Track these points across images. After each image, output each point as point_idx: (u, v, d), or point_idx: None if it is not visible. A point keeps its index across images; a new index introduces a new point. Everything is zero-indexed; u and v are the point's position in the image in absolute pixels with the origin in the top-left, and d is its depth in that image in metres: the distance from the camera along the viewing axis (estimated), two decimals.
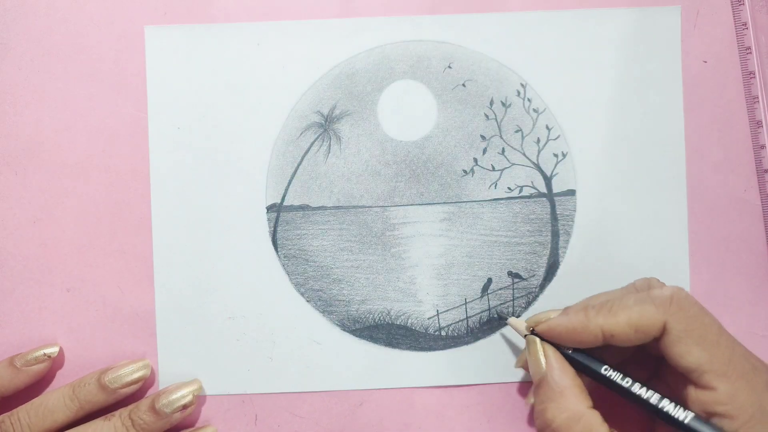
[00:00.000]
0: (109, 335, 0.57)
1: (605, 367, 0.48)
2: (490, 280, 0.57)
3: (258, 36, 0.57)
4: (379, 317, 0.57)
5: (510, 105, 0.57)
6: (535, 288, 0.57)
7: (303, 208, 0.57)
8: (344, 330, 0.57)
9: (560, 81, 0.57)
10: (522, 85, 0.57)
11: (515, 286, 0.57)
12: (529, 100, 0.57)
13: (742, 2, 0.58)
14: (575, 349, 0.48)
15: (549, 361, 0.48)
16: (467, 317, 0.57)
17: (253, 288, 0.57)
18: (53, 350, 0.55)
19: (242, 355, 0.57)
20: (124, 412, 0.53)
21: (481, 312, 0.57)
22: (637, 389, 0.46)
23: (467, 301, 0.57)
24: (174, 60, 0.57)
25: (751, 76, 0.58)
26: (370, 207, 0.57)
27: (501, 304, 0.57)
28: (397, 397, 0.57)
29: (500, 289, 0.57)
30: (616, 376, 0.47)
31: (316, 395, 0.57)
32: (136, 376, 0.54)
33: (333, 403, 0.57)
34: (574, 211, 0.57)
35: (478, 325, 0.57)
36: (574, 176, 0.57)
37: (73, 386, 0.53)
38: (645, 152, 0.57)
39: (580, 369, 0.48)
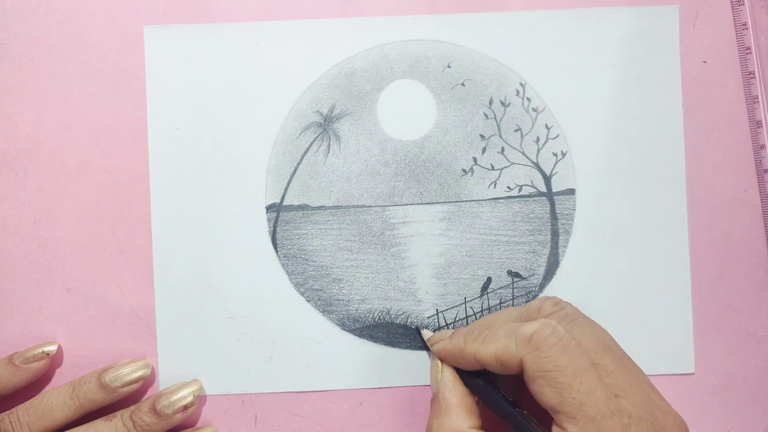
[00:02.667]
0: (109, 335, 0.57)
1: (483, 398, 0.48)
2: (489, 280, 0.57)
3: (257, 36, 0.57)
4: (379, 316, 0.57)
5: (509, 104, 0.57)
6: (535, 287, 0.57)
7: (302, 207, 0.57)
8: (344, 329, 0.57)
9: (559, 80, 0.57)
10: (521, 84, 0.57)
11: (515, 285, 0.57)
12: (528, 99, 0.57)
13: (742, 2, 0.58)
14: (473, 372, 0.49)
15: (443, 378, 0.49)
16: (467, 316, 0.57)
17: (253, 288, 0.57)
18: (52, 348, 0.55)
19: (242, 355, 0.57)
20: (125, 413, 0.53)
21: (481, 311, 0.57)
22: (510, 415, 0.47)
23: (467, 300, 0.57)
24: (173, 60, 0.57)
25: (751, 76, 0.58)
26: (370, 206, 0.57)
27: (501, 303, 0.57)
28: (397, 396, 0.57)
29: (500, 288, 0.57)
30: (497, 404, 0.47)
31: (316, 395, 0.57)
32: (136, 375, 0.54)
33: (333, 402, 0.57)
34: (574, 210, 0.57)
35: None
36: (573, 175, 0.57)
37: (73, 385, 0.53)
38: (644, 151, 0.57)
39: (474, 390, 0.49)
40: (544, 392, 0.43)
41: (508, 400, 0.47)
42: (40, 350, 0.54)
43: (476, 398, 0.49)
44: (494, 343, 0.46)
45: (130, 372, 0.54)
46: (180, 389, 0.54)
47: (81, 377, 0.54)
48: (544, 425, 0.45)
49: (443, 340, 0.50)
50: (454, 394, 0.48)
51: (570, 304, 0.49)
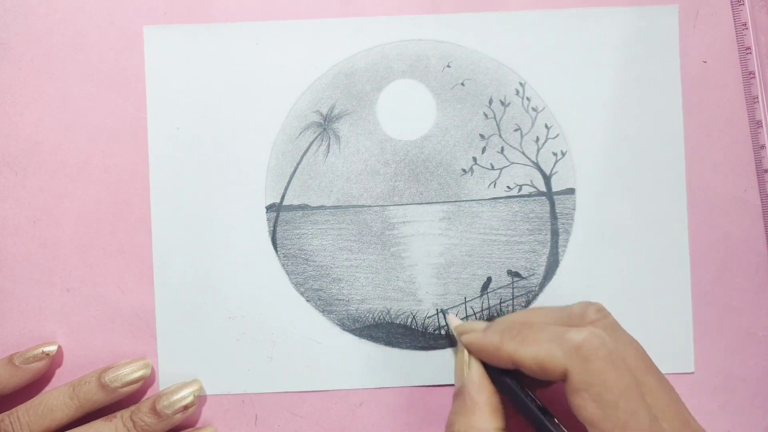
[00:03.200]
0: (109, 335, 0.57)
1: (512, 399, 0.47)
2: (489, 279, 0.57)
3: (257, 36, 0.57)
4: (379, 316, 0.57)
5: (509, 104, 0.57)
6: (535, 287, 0.57)
7: (302, 207, 0.57)
8: (344, 329, 0.57)
9: (559, 80, 0.57)
10: (521, 84, 0.57)
11: (515, 284, 0.57)
12: (528, 98, 0.57)
13: (742, 2, 0.58)
14: (501, 369, 0.47)
15: (470, 373, 0.47)
16: (467, 316, 0.57)
17: (253, 288, 0.57)
18: (52, 348, 0.55)
19: (242, 355, 0.57)
20: (125, 413, 0.53)
21: (481, 311, 0.57)
22: (539, 421, 0.45)
23: (467, 300, 0.57)
24: (173, 60, 0.57)
25: (751, 76, 0.58)
26: (370, 206, 0.57)
27: (501, 302, 0.57)
28: (397, 396, 0.57)
29: (500, 287, 0.57)
30: (526, 408, 0.46)
31: (316, 395, 0.57)
32: (136, 375, 0.54)
33: (333, 402, 0.57)
34: (574, 209, 0.57)
35: None
36: (573, 175, 0.57)
37: (73, 385, 0.53)
38: (644, 151, 0.58)
39: (502, 389, 0.47)
40: (587, 406, 0.42)
41: (539, 404, 0.46)
42: (40, 350, 0.54)
43: (502, 398, 0.47)
44: (536, 346, 0.44)
45: (130, 372, 0.54)
46: (180, 389, 0.54)
47: (81, 377, 0.54)
48: None
49: (475, 332, 0.48)
50: (481, 391, 0.46)
51: (611, 314, 0.47)
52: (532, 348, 0.44)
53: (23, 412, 0.52)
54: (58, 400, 0.52)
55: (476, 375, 0.47)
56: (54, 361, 0.56)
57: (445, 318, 0.57)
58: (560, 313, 0.47)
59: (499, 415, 0.46)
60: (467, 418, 0.45)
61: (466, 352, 0.48)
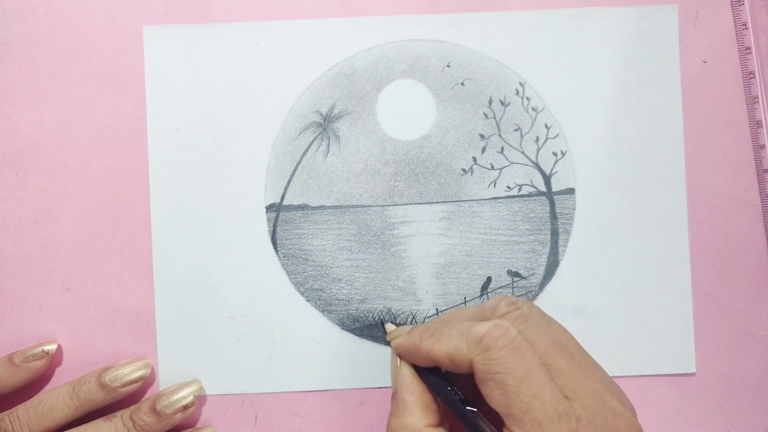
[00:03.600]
0: (109, 335, 0.57)
1: (442, 389, 0.47)
2: (489, 279, 0.57)
3: (257, 36, 0.57)
4: (379, 316, 0.57)
5: (509, 104, 0.57)
6: (535, 287, 0.57)
7: (302, 207, 0.57)
8: (344, 329, 0.57)
9: (559, 80, 0.58)
10: (521, 83, 0.57)
11: (515, 284, 0.57)
12: (527, 98, 0.57)
13: (742, 2, 0.58)
14: (431, 369, 0.48)
15: (401, 375, 0.49)
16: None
17: (253, 288, 0.57)
18: (51, 347, 0.55)
19: (242, 354, 0.57)
20: (125, 413, 0.53)
21: None
22: (461, 413, 0.46)
23: (467, 300, 0.57)
24: (173, 60, 0.57)
25: (751, 76, 0.58)
26: (370, 206, 0.57)
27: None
28: None
29: (500, 287, 0.57)
30: (450, 402, 0.47)
31: (316, 395, 0.57)
32: (136, 375, 0.54)
33: (333, 402, 0.57)
34: (574, 209, 0.57)
35: None
36: (573, 175, 0.57)
37: (72, 385, 0.53)
38: (644, 151, 0.58)
39: (431, 388, 0.48)
40: (494, 395, 0.43)
41: (462, 398, 0.46)
42: (40, 349, 0.54)
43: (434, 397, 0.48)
44: (447, 342, 0.45)
45: (129, 372, 0.54)
46: (180, 389, 0.54)
47: (81, 377, 0.54)
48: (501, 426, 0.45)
49: (400, 337, 0.49)
50: (411, 391, 0.47)
51: (528, 304, 0.48)
52: (444, 344, 0.45)
53: (23, 411, 0.52)
54: (58, 400, 0.52)
55: (406, 376, 0.48)
56: (54, 361, 0.56)
57: (383, 327, 0.57)
58: (476, 310, 0.49)
59: (430, 413, 0.47)
60: (399, 418, 0.47)
61: (396, 356, 0.49)
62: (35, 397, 0.53)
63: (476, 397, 0.46)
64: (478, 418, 0.45)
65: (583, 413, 0.42)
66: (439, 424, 0.47)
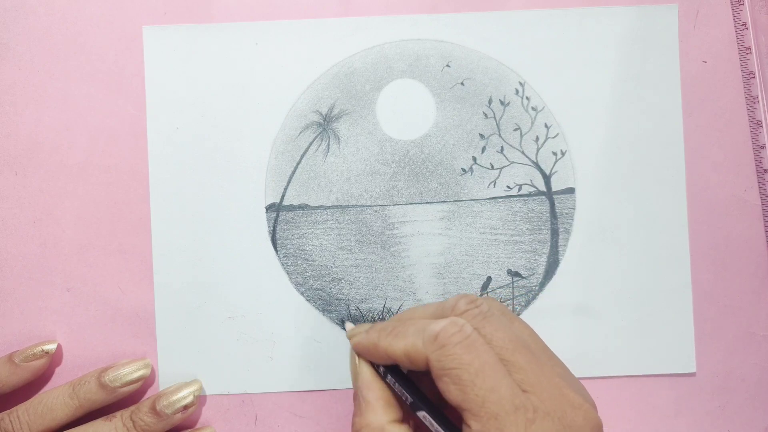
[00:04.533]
0: (109, 335, 0.57)
1: (398, 387, 0.48)
2: (489, 279, 0.57)
3: (256, 35, 0.57)
4: (379, 316, 0.57)
5: (509, 103, 0.58)
6: (535, 286, 0.57)
7: (302, 207, 0.57)
8: (344, 329, 0.57)
9: (559, 79, 0.58)
10: (520, 83, 0.57)
11: (515, 284, 0.57)
12: (527, 98, 0.57)
13: (742, 2, 0.58)
14: (389, 366, 0.48)
15: (360, 374, 0.49)
16: None
17: (253, 287, 0.57)
18: (51, 347, 0.55)
19: (242, 354, 0.57)
20: (125, 413, 0.53)
21: None
22: (419, 412, 0.46)
23: None
24: (173, 60, 0.57)
25: (751, 76, 0.58)
26: (369, 206, 0.57)
27: (501, 302, 0.57)
28: None
29: (500, 287, 0.57)
30: (405, 395, 0.47)
31: (316, 395, 0.57)
32: (136, 375, 0.54)
33: (333, 402, 0.57)
34: (574, 209, 0.57)
35: None
36: (573, 174, 0.57)
37: (73, 384, 0.53)
38: (644, 151, 0.58)
39: (390, 385, 0.48)
40: (450, 390, 0.43)
41: (418, 394, 0.47)
42: (40, 349, 0.54)
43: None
44: (403, 340, 0.45)
45: (130, 372, 0.54)
46: (180, 389, 0.54)
47: (81, 377, 0.54)
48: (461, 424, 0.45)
49: (360, 334, 0.49)
50: (372, 389, 0.48)
51: (489, 301, 0.48)
52: (400, 342, 0.46)
53: (23, 411, 0.52)
54: (58, 400, 0.52)
55: (365, 375, 0.49)
56: (53, 361, 0.56)
57: (343, 326, 0.57)
58: (435, 308, 0.49)
59: (391, 409, 0.47)
60: (362, 417, 0.47)
61: (355, 355, 0.50)
62: (35, 397, 0.53)
63: (437, 394, 0.46)
64: (433, 413, 0.46)
65: (540, 405, 0.42)
66: (403, 420, 0.47)
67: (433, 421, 0.45)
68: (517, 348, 0.45)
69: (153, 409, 0.52)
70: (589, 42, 0.58)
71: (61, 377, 0.56)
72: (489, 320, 0.46)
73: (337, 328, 0.57)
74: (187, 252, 0.57)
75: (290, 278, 0.57)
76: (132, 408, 0.53)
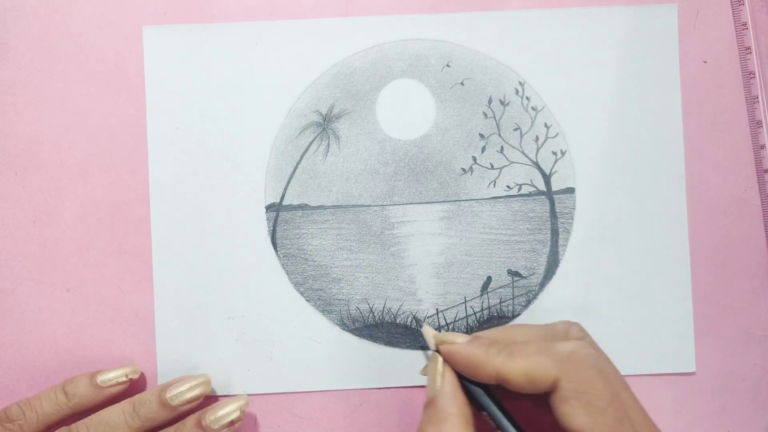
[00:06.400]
0: (109, 335, 0.57)
1: (485, 411, 0.46)
2: (489, 279, 0.57)
3: (256, 35, 0.57)
4: (379, 316, 0.57)
5: (508, 103, 0.58)
6: (535, 286, 0.57)
7: (302, 207, 0.57)
8: (344, 329, 0.57)
9: (558, 79, 0.58)
10: (520, 83, 0.58)
11: (515, 284, 0.57)
12: (527, 98, 0.57)
13: (742, 2, 0.58)
14: (475, 382, 0.47)
15: (443, 384, 0.47)
16: (467, 316, 0.57)
17: (253, 287, 0.57)
18: (135, 375, 0.55)
19: (242, 355, 0.57)
20: (169, 430, 0.52)
21: (481, 310, 0.57)
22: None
23: (467, 299, 0.57)
24: (172, 60, 0.57)
25: (751, 76, 0.58)
26: (369, 206, 0.57)
27: (501, 302, 0.57)
28: (397, 396, 0.57)
29: (500, 287, 0.57)
30: (494, 423, 0.46)
31: (316, 395, 0.57)
32: (195, 393, 0.53)
33: (333, 402, 0.57)
34: (574, 209, 0.57)
35: (477, 324, 0.57)
36: (573, 174, 0.57)
37: (133, 403, 0.52)
38: (644, 151, 0.58)
39: (474, 402, 0.47)
40: (576, 414, 0.42)
41: (512, 417, 0.46)
42: (124, 375, 0.54)
43: (473, 411, 0.47)
44: (525, 359, 0.44)
45: (188, 389, 0.53)
46: (226, 404, 0.53)
47: (141, 395, 0.53)
48: None
49: (456, 344, 0.47)
50: (454, 403, 0.46)
51: (589, 335, 0.48)
52: (520, 361, 0.44)
53: (83, 427, 0.51)
54: (120, 419, 0.52)
55: (449, 386, 0.47)
56: (53, 360, 0.56)
57: (419, 328, 0.57)
58: (543, 330, 0.48)
59: (470, 427, 0.45)
60: (438, 428, 0.45)
61: (440, 363, 0.48)
62: (95, 414, 0.52)
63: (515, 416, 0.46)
64: None
65: None
66: None
67: None
68: (623, 385, 0.44)
69: (199, 425, 0.52)
70: (589, 42, 0.58)
71: (61, 376, 0.56)
72: (600, 352, 0.46)
73: (337, 328, 0.57)
74: (187, 252, 0.57)
75: (290, 278, 0.57)
76: (177, 426, 0.52)
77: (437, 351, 0.48)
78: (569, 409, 0.42)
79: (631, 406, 0.43)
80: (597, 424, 0.41)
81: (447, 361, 0.47)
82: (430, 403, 0.47)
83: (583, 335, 0.47)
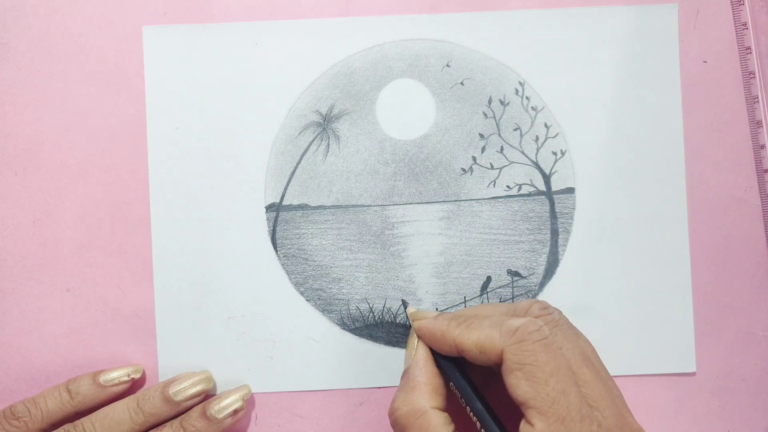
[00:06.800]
0: (109, 335, 0.57)
1: (452, 382, 0.49)
2: (489, 279, 0.57)
3: (256, 35, 0.57)
4: (379, 316, 0.57)
5: (508, 103, 0.58)
6: (535, 286, 0.57)
7: (302, 207, 0.57)
8: (344, 329, 0.57)
9: (558, 79, 0.58)
10: (520, 83, 0.57)
11: (515, 284, 0.57)
12: (527, 98, 0.57)
13: (742, 2, 0.58)
14: (447, 357, 0.50)
15: (416, 355, 0.50)
16: None
17: (253, 287, 0.57)
18: (137, 374, 0.55)
19: (242, 354, 0.57)
20: (175, 422, 0.53)
21: None
22: (473, 403, 0.48)
23: (466, 299, 0.57)
24: (172, 60, 0.57)
25: (751, 76, 0.58)
26: (369, 206, 0.57)
27: (501, 302, 0.57)
28: None
29: (500, 287, 0.57)
30: (458, 392, 0.49)
31: (316, 394, 0.57)
32: (197, 389, 0.54)
33: (333, 402, 0.57)
34: (574, 209, 0.57)
35: None
36: (572, 174, 0.57)
37: (137, 399, 0.53)
38: (644, 151, 0.58)
39: (445, 374, 0.50)
40: (519, 385, 0.44)
41: (476, 388, 0.48)
42: (126, 375, 0.55)
43: (444, 382, 0.50)
44: (478, 332, 0.46)
45: (191, 385, 0.54)
46: (230, 395, 0.54)
47: (144, 391, 0.54)
48: (510, 424, 0.46)
49: (426, 319, 0.50)
50: (423, 372, 0.49)
51: (558, 311, 0.49)
52: (474, 333, 0.47)
53: (89, 424, 0.52)
54: (124, 415, 0.53)
55: (421, 357, 0.50)
56: (53, 360, 0.56)
57: (404, 308, 0.57)
58: (508, 308, 0.50)
59: (437, 396, 0.48)
60: (407, 395, 0.48)
61: (415, 337, 0.51)
62: (100, 410, 0.53)
63: (485, 391, 0.48)
64: (489, 410, 0.47)
65: (604, 422, 0.43)
66: (444, 410, 0.48)
67: (486, 415, 0.46)
68: (584, 362, 0.45)
69: (203, 415, 0.53)
70: (589, 42, 0.58)
71: (61, 377, 0.56)
72: (559, 329, 0.47)
73: (337, 328, 0.57)
74: (187, 252, 0.57)
75: (290, 278, 0.57)
76: (182, 416, 0.53)
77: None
78: (513, 380, 0.44)
79: (590, 382, 0.44)
80: (538, 393, 0.43)
81: (418, 335, 0.51)
82: (404, 373, 0.51)
83: (544, 313, 0.48)
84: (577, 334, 0.48)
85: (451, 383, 0.49)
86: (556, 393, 0.43)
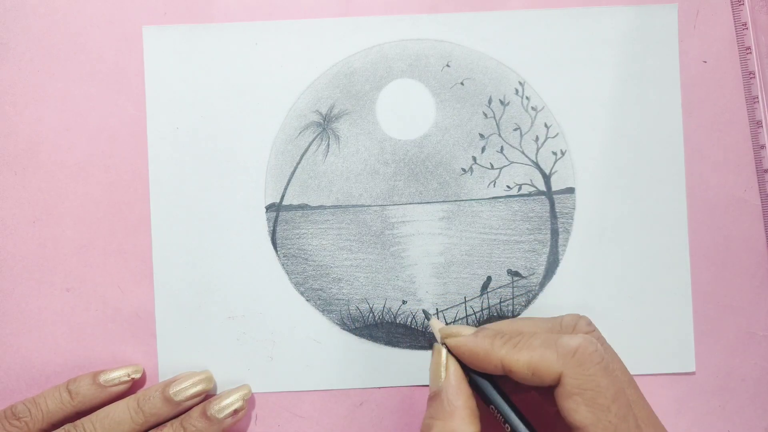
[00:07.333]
0: (109, 335, 0.57)
1: (491, 404, 0.46)
2: (489, 279, 0.57)
3: (256, 35, 0.57)
4: (379, 316, 0.57)
5: (508, 103, 0.58)
6: (535, 286, 0.57)
7: (302, 207, 0.57)
8: (344, 329, 0.57)
9: (558, 79, 0.58)
10: (520, 83, 0.57)
11: (515, 284, 0.57)
12: (527, 98, 0.57)
13: (742, 2, 0.58)
14: (481, 373, 0.47)
15: (448, 376, 0.46)
16: (467, 315, 0.57)
17: (253, 287, 0.57)
18: (137, 375, 0.55)
19: (242, 354, 0.57)
20: (175, 422, 0.53)
21: (481, 310, 0.57)
22: (515, 424, 0.45)
23: (467, 299, 0.57)
24: (172, 60, 0.57)
25: (751, 76, 0.58)
26: (369, 206, 0.57)
27: (501, 302, 0.57)
28: (397, 396, 0.57)
29: (500, 287, 0.57)
30: (500, 415, 0.46)
31: (316, 394, 0.57)
32: (197, 389, 0.54)
33: (333, 402, 0.57)
34: (574, 209, 0.57)
35: (477, 324, 0.57)
36: (573, 174, 0.57)
37: (137, 399, 0.53)
38: (644, 151, 0.58)
39: (480, 394, 0.47)
40: (579, 410, 0.42)
41: (514, 406, 0.46)
42: (126, 375, 0.55)
43: (477, 401, 0.47)
44: (529, 352, 0.44)
45: (191, 385, 0.54)
46: (230, 394, 0.54)
47: (145, 391, 0.54)
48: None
49: (462, 336, 0.47)
50: (460, 395, 0.45)
51: (598, 329, 0.48)
52: (525, 353, 0.44)
53: (89, 424, 0.52)
54: (125, 415, 0.53)
55: (455, 378, 0.46)
56: (53, 360, 0.56)
57: (426, 320, 0.57)
58: (550, 323, 0.48)
59: (476, 419, 0.45)
60: (445, 422, 0.45)
61: (444, 355, 0.47)
62: (100, 410, 0.53)
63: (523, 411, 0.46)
64: (529, 425, 0.45)
65: None
66: None
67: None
68: (630, 381, 0.45)
69: (204, 415, 0.53)
70: (589, 42, 0.58)
71: (61, 377, 0.56)
72: (606, 345, 0.46)
73: (337, 328, 0.57)
74: (187, 252, 0.57)
75: (290, 278, 0.57)
76: (182, 416, 0.53)
77: (444, 344, 0.48)
78: (572, 405, 0.42)
79: (636, 402, 0.44)
80: (600, 420, 0.41)
81: (455, 353, 0.47)
82: (435, 396, 0.46)
83: (591, 329, 0.47)
84: (615, 352, 0.47)
85: (491, 405, 0.46)
86: (618, 420, 0.41)
